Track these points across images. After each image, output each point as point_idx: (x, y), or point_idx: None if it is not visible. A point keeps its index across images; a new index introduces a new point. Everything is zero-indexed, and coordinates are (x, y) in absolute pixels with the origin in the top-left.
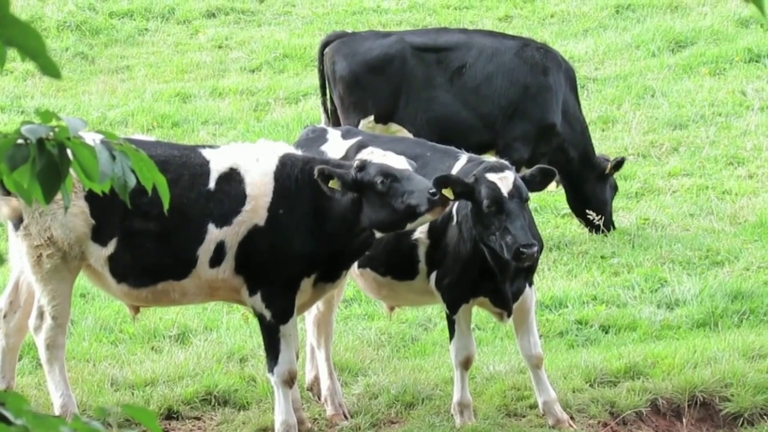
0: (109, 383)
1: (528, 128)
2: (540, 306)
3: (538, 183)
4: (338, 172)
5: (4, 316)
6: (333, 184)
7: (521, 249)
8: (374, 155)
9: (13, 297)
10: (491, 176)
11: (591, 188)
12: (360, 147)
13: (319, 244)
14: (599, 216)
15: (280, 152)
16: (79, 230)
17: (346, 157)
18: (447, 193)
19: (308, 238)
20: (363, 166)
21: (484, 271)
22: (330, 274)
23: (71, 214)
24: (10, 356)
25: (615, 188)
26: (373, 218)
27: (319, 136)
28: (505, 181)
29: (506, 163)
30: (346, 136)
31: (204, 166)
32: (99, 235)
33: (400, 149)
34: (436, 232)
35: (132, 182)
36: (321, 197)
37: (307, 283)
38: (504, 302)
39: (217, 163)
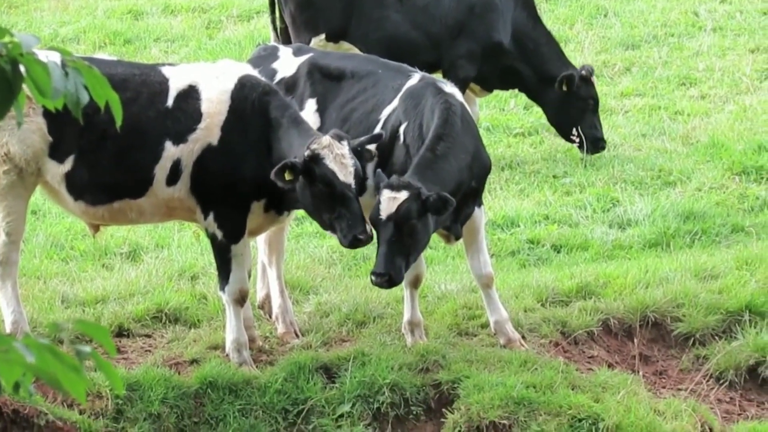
0: (59, 300)
1: (473, 47)
2: (492, 225)
3: (435, 210)
4: (290, 164)
5: None
6: (288, 175)
7: (371, 277)
8: (330, 149)
9: None
10: (384, 192)
11: (556, 105)
12: (311, 64)
13: (266, 172)
14: (575, 134)
15: (241, 73)
16: (36, 146)
17: (297, 73)
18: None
19: (257, 163)
20: (315, 160)
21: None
22: (278, 205)
23: (29, 131)
24: None
25: (593, 101)
26: (300, 198)
27: (271, 54)
28: (391, 202)
29: (412, 183)
30: (297, 53)
31: (163, 84)
32: (56, 152)
33: (351, 66)
34: (384, 151)
35: (85, 99)
36: (272, 134)
37: (257, 206)
38: (449, 225)
39: (177, 80)
